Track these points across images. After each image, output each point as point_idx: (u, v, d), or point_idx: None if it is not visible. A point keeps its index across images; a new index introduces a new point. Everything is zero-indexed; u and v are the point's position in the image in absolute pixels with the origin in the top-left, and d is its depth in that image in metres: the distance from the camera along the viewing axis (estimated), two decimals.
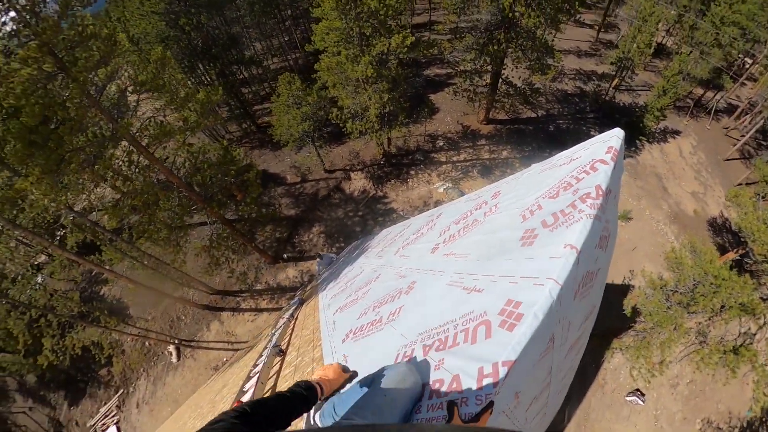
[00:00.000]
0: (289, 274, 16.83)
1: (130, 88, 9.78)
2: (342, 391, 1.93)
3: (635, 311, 11.11)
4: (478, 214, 2.73)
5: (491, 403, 1.33)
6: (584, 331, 3.67)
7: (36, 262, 18.45)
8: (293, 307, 8.83)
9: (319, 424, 2.10)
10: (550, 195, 2.07)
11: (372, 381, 1.61)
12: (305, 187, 19.65)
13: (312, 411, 2.23)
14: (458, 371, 1.40)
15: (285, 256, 17.22)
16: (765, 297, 8.75)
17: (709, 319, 9.25)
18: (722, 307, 8.64)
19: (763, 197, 17.98)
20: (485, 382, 1.29)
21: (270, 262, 17.10)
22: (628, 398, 14.00)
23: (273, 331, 7.22)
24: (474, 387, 1.30)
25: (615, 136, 2.25)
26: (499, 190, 2.85)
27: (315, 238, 17.59)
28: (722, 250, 17.35)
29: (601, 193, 1.79)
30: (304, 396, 1.44)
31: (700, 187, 21.12)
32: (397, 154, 20.18)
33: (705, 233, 18.53)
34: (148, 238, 10.52)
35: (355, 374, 1.74)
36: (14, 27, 7.46)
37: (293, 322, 7.05)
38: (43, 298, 12.10)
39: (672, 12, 25.09)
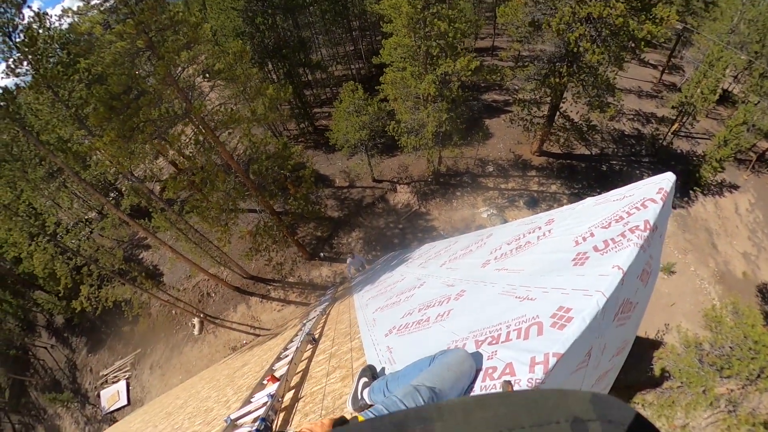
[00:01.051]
0: (323, 272, 17.35)
1: (205, 74, 10.61)
2: (397, 370, 2.15)
3: (663, 371, 10.66)
4: (532, 237, 2.97)
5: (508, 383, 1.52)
6: (614, 366, 3.78)
7: (87, 217, 20.10)
8: (325, 304, 9.22)
9: (368, 401, 2.31)
10: (602, 225, 2.30)
11: (432, 359, 1.79)
12: (352, 192, 20.26)
13: (360, 386, 2.45)
14: (511, 360, 1.65)
15: (322, 254, 17.81)
16: None
17: (743, 387, 8.76)
18: (759, 375, 8.19)
19: None
20: (537, 369, 1.54)
21: (307, 258, 17.73)
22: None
23: (305, 321, 7.62)
24: (527, 371, 1.55)
25: (666, 179, 2.46)
26: (553, 218, 3.09)
27: (353, 242, 18.06)
28: None
29: (648, 227, 2.02)
30: None
31: (753, 249, 19.83)
32: (445, 174, 20.40)
33: (752, 299, 17.37)
34: (199, 214, 11.29)
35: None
36: (115, 3, 8.46)
37: (325, 316, 7.42)
38: (90, 249, 13.07)
39: (741, 58, 23.91)
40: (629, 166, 21.96)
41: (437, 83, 12.84)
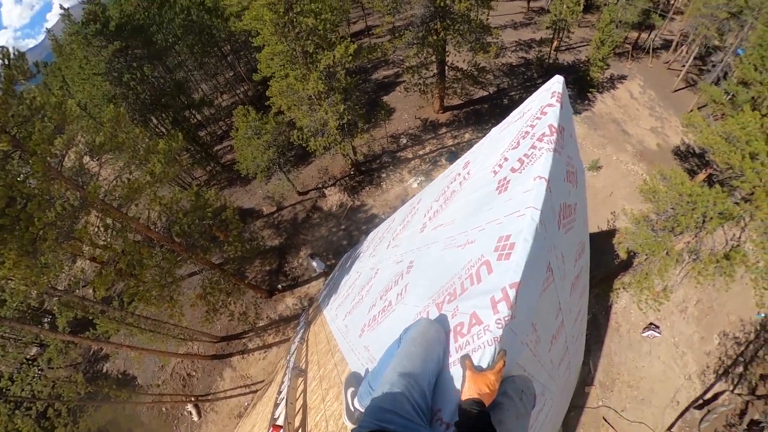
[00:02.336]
0: (288, 302, 16.70)
1: (89, 153, 9.68)
2: (375, 367, 2.00)
3: (629, 251, 11.53)
4: (455, 185, 2.89)
5: (504, 352, 1.40)
6: (582, 270, 3.88)
7: (29, 356, 17.79)
8: (302, 331, 8.84)
9: (360, 408, 2.14)
10: (512, 147, 2.24)
11: (399, 341, 1.66)
12: (283, 214, 19.58)
13: (349, 398, 2.29)
14: (473, 309, 1.53)
15: (279, 286, 17.10)
16: (738, 201, 9.23)
17: (696, 236, 9.71)
18: (704, 221, 9.11)
19: (713, 116, 18.97)
20: (500, 307, 1.42)
21: (266, 296, 16.95)
22: (644, 334, 14.45)
23: (288, 357, 7.24)
24: (492, 314, 1.43)
25: (556, 81, 2.45)
26: (468, 160, 3.03)
27: (304, 261, 17.54)
28: (692, 174, 18.19)
29: (554, 129, 1.97)
30: None
31: (657, 122, 22.08)
32: (365, 161, 20.37)
33: (672, 162, 19.37)
34: (140, 299, 10.32)
35: None
36: None
37: (305, 343, 7.10)
38: (46, 387, 11.69)
39: None
40: (526, 92, 23.34)
41: (323, 79, 12.66)
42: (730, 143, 9.72)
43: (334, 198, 19.28)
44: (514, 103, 22.43)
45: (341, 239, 17.66)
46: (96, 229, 9.73)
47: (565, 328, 3.46)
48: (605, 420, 12.99)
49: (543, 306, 2.06)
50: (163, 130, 21.29)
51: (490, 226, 1.84)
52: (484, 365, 1.36)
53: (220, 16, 22.54)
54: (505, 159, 2.22)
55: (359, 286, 4.38)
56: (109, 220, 9.90)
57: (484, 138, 3.09)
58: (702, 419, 13.33)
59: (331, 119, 13.34)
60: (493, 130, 2.97)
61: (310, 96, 13.34)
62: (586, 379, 13.41)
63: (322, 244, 17.80)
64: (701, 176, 17.13)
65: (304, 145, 15.04)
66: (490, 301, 1.46)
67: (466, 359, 1.39)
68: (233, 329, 16.93)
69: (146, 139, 10.92)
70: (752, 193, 8.88)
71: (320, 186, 19.90)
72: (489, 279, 1.56)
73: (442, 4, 13.91)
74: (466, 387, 1.30)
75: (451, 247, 2.14)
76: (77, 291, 12.87)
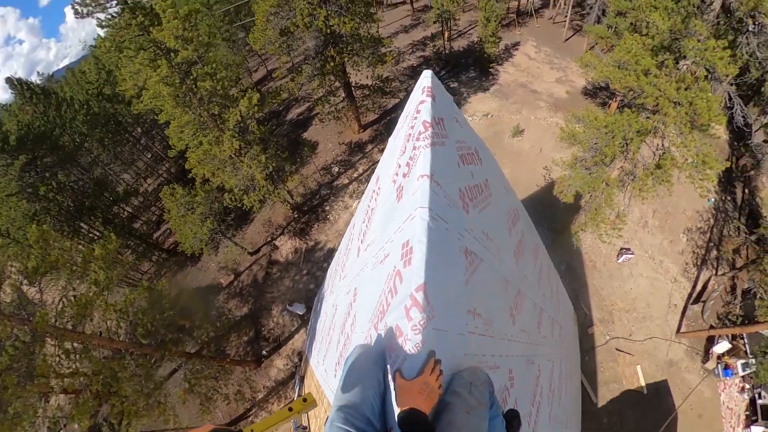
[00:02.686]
0: (279, 365, 15.96)
1: (26, 280, 9.22)
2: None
3: (574, 196, 12.21)
4: (372, 203, 2.95)
5: (432, 352, 1.40)
6: (524, 234, 4.03)
7: None
8: (298, 388, 8.49)
9: None
10: (401, 152, 2.32)
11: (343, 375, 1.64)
12: (242, 279, 18.81)
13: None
14: (395, 322, 1.53)
15: (264, 352, 16.36)
16: (648, 116, 10.08)
17: (625, 158, 10.47)
18: (626, 144, 9.86)
19: (603, 51, 20.77)
20: (412, 313, 1.43)
21: (255, 367, 16.13)
22: (620, 260, 15.24)
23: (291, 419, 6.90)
24: (407, 323, 1.43)
25: (424, 77, 2.58)
26: (378, 175, 3.10)
27: (279, 318, 16.90)
28: (606, 106, 19.74)
29: (428, 125, 2.06)
30: None
31: (559, 73, 23.82)
32: (304, 201, 20.16)
33: (585, 103, 20.86)
34: (129, 415, 9.59)
35: None
36: None
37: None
38: None
39: None
40: None
41: (237, 136, 12.61)
42: (623, 68, 10.65)
43: (286, 246, 18.83)
44: None
45: (307, 284, 17.23)
46: (57, 359, 9.09)
47: (526, 295, 3.56)
48: (618, 350, 13.46)
49: (480, 288, 2.11)
50: (96, 233, 20.05)
51: (396, 235, 1.87)
52: (414, 373, 1.35)
53: (122, 101, 21.84)
54: (399, 166, 2.29)
55: (327, 326, 4.29)
56: (68, 345, 9.25)
57: (385, 151, 3.18)
58: (702, 310, 14.24)
59: (257, 172, 13.20)
60: (389, 139, 3.06)
61: (230, 156, 13.16)
62: (585, 323, 13.85)
63: (290, 295, 17.25)
64: (613, 106, 18.62)
65: (239, 205, 14.72)
66: (404, 311, 1.47)
67: (396, 372, 1.38)
68: (235, 411, 15.89)
69: (80, 248, 10.28)
70: (657, 104, 9.72)
71: (269, 239, 19.39)
72: (401, 288, 1.57)
73: (329, 31, 14.33)
74: (398, 399, 1.30)
75: (377, 265, 2.15)
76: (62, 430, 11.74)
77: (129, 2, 12.43)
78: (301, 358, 14.34)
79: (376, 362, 1.52)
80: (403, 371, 1.38)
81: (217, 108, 12.64)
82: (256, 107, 12.32)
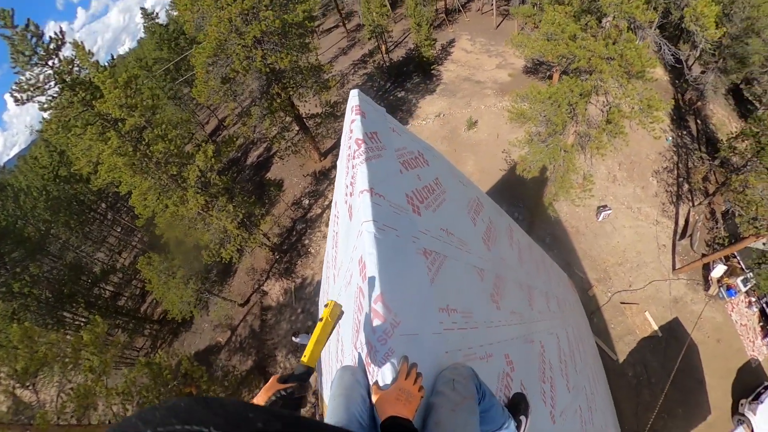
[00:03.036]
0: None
1: (18, 383, 8.91)
2: None
3: (541, 169, 12.55)
4: (336, 227, 2.98)
5: (404, 357, 1.40)
6: (491, 220, 4.10)
7: None
8: None
9: None
10: (346, 173, 2.36)
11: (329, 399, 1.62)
12: (239, 333, 18.31)
13: None
14: (366, 337, 1.53)
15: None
16: (585, 78, 10.54)
17: (576, 123, 10.87)
18: (572, 109, 10.27)
19: (532, 28, 21.66)
20: (376, 326, 1.45)
21: None
22: (599, 219, 15.65)
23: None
24: (374, 335, 1.45)
25: (352, 96, 2.65)
26: (335, 200, 3.14)
27: (286, 362, 16.46)
28: (549, 78, 20.49)
29: (360, 141, 2.11)
30: None
31: (498, 59, 24.70)
32: (282, 240, 19.96)
33: (529, 81, 21.63)
34: None
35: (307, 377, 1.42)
36: None
37: None
38: None
39: None
40: (385, 101, 24.79)
41: (200, 191, 12.51)
42: (552, 40, 11.15)
43: (275, 290, 18.48)
44: None
45: (305, 321, 16.93)
46: None
47: (507, 278, 3.61)
48: (623, 303, 13.70)
49: (450, 284, 2.14)
50: (81, 319, 19.31)
51: (353, 254, 1.91)
52: (389, 380, 1.36)
53: (80, 180, 21.34)
54: (346, 186, 2.33)
55: (327, 357, 4.23)
56: None
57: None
58: (690, 243, 14.74)
59: (228, 223, 13.08)
60: (338, 162, 3.12)
61: (198, 212, 13.02)
62: (584, 287, 14.08)
63: (293, 329, 16.92)
64: (556, 76, 19.37)
65: (218, 259, 14.48)
66: (370, 325, 1.49)
67: (373, 385, 1.39)
68: None
69: (68, 338, 9.92)
70: (591, 64, 10.18)
71: (257, 287, 18.99)
72: (365, 304, 1.59)
73: (268, 69, 14.49)
74: (378, 410, 1.30)
75: (346, 287, 2.17)
76: None
77: (67, 80, 12.28)
78: (317, 396, 14.00)
79: (358, 380, 1.52)
80: (379, 382, 1.39)
81: (175, 168, 12.52)
82: (213, 159, 12.27)
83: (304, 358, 1.40)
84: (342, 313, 1.53)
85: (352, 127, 2.37)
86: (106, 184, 14.39)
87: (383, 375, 1.40)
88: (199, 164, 12.04)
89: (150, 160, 12.18)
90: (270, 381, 1.40)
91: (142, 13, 27.83)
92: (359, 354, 1.70)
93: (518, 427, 2.02)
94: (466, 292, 2.33)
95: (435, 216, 2.43)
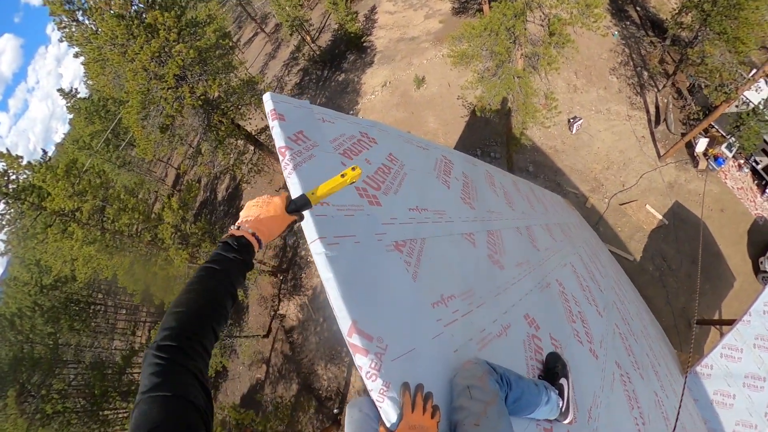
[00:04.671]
0: None
1: None
2: None
3: (503, 101, 12.22)
4: None
5: (404, 386, 1.20)
6: (467, 175, 3.82)
7: None
8: None
9: None
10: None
11: None
12: (274, 364, 17.80)
13: None
14: (359, 364, 1.28)
15: (335, 410, 15.68)
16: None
17: (520, 46, 10.53)
18: (513, 33, 9.91)
19: None
20: (359, 361, 1.20)
21: (337, 428, 15.62)
22: (573, 131, 15.53)
23: None
24: (362, 373, 1.21)
25: (266, 101, 2.31)
26: None
27: (327, 373, 16.09)
28: (481, 12, 19.93)
29: (284, 150, 1.81)
30: (238, 261, 1.06)
31: (424, 9, 24.14)
32: (280, 260, 19.37)
33: (462, 21, 20.89)
34: None
35: (306, 208, 1.27)
36: None
37: None
38: None
39: None
40: (324, 90, 24.13)
41: (181, 247, 12.20)
42: None
43: (291, 309, 18.19)
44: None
45: (330, 326, 16.63)
46: None
47: (501, 229, 3.36)
48: (622, 204, 13.71)
49: (438, 268, 1.88)
50: (122, 411, 19.05)
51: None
52: (394, 419, 1.15)
53: (65, 281, 20.74)
54: None
55: None
56: None
57: None
58: (667, 126, 14.78)
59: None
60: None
61: (188, 266, 12.66)
62: (581, 201, 14.04)
63: (326, 348, 16.69)
64: (485, 8, 18.86)
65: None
66: (359, 348, 1.24)
67: (380, 428, 1.19)
68: None
69: None
70: None
71: (273, 314, 18.71)
72: (346, 339, 1.33)
73: (200, 102, 13.84)
74: None
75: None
76: None
77: (10, 192, 11.68)
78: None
79: (367, 414, 1.30)
80: (386, 423, 1.17)
81: (148, 234, 12.09)
82: (181, 211, 11.81)
83: (311, 193, 1.24)
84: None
85: (275, 136, 2.05)
86: (90, 275, 13.92)
87: (386, 415, 1.17)
88: (169, 221, 11.59)
89: (121, 236, 11.74)
90: (277, 215, 1.20)
91: (61, 95, 26.49)
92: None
93: (561, 393, 1.80)
94: (459, 268, 2.07)
95: (399, 198, 2.14)
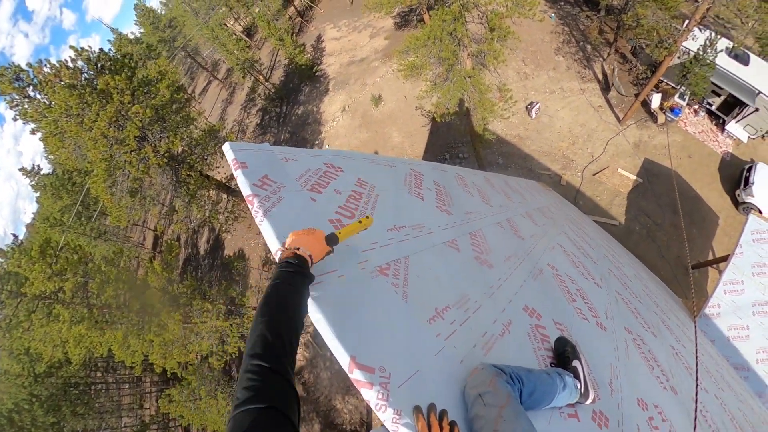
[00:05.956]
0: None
1: None
2: None
3: (459, 103, 12.51)
4: None
5: (415, 410, 1.20)
6: (439, 182, 3.87)
7: None
8: None
9: None
10: None
11: None
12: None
13: None
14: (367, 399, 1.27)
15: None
16: (449, 2, 10.54)
17: (464, 47, 10.88)
18: (456, 36, 10.24)
19: None
20: (366, 395, 1.19)
21: None
22: (533, 116, 15.97)
23: None
24: (372, 405, 1.20)
25: (226, 151, 2.31)
26: None
27: (347, 405, 15.64)
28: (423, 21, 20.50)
29: (251, 197, 1.80)
30: (300, 271, 1.23)
31: (368, 30, 24.71)
32: None
33: (406, 34, 21.58)
34: None
35: (334, 245, 1.44)
36: None
37: None
38: None
39: None
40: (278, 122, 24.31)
41: (172, 311, 11.88)
42: None
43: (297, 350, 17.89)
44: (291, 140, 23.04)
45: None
46: None
47: (482, 228, 3.40)
48: (595, 174, 14.08)
49: (427, 283, 1.88)
50: None
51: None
52: None
53: (60, 365, 19.67)
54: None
55: None
56: None
57: None
58: (619, 91, 15.40)
59: (214, 320, 12.45)
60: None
61: (182, 328, 12.29)
62: (556, 181, 14.34)
63: (339, 381, 16.12)
64: (426, 17, 19.39)
65: (228, 359, 13.85)
66: (365, 395, 1.22)
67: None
68: None
69: None
70: None
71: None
72: (349, 376, 1.31)
73: (165, 160, 13.71)
74: None
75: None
76: None
77: None
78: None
79: None
80: None
81: (137, 302, 11.73)
82: (165, 273, 11.54)
83: (338, 233, 1.46)
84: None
85: (241, 186, 2.05)
86: (85, 355, 13.38)
87: None
88: (155, 286, 11.29)
89: (109, 308, 11.37)
90: (320, 241, 1.38)
91: (23, 174, 25.84)
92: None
93: (576, 375, 1.80)
94: (448, 278, 2.08)
95: (375, 221, 2.15)
